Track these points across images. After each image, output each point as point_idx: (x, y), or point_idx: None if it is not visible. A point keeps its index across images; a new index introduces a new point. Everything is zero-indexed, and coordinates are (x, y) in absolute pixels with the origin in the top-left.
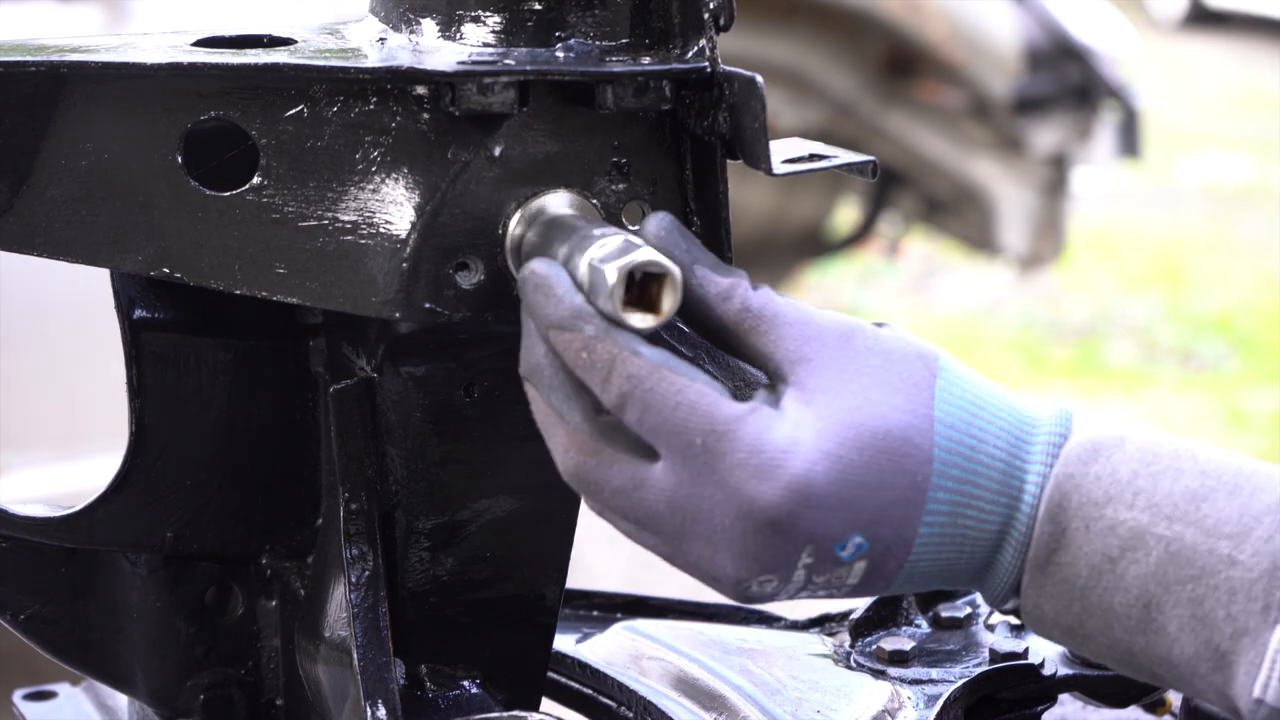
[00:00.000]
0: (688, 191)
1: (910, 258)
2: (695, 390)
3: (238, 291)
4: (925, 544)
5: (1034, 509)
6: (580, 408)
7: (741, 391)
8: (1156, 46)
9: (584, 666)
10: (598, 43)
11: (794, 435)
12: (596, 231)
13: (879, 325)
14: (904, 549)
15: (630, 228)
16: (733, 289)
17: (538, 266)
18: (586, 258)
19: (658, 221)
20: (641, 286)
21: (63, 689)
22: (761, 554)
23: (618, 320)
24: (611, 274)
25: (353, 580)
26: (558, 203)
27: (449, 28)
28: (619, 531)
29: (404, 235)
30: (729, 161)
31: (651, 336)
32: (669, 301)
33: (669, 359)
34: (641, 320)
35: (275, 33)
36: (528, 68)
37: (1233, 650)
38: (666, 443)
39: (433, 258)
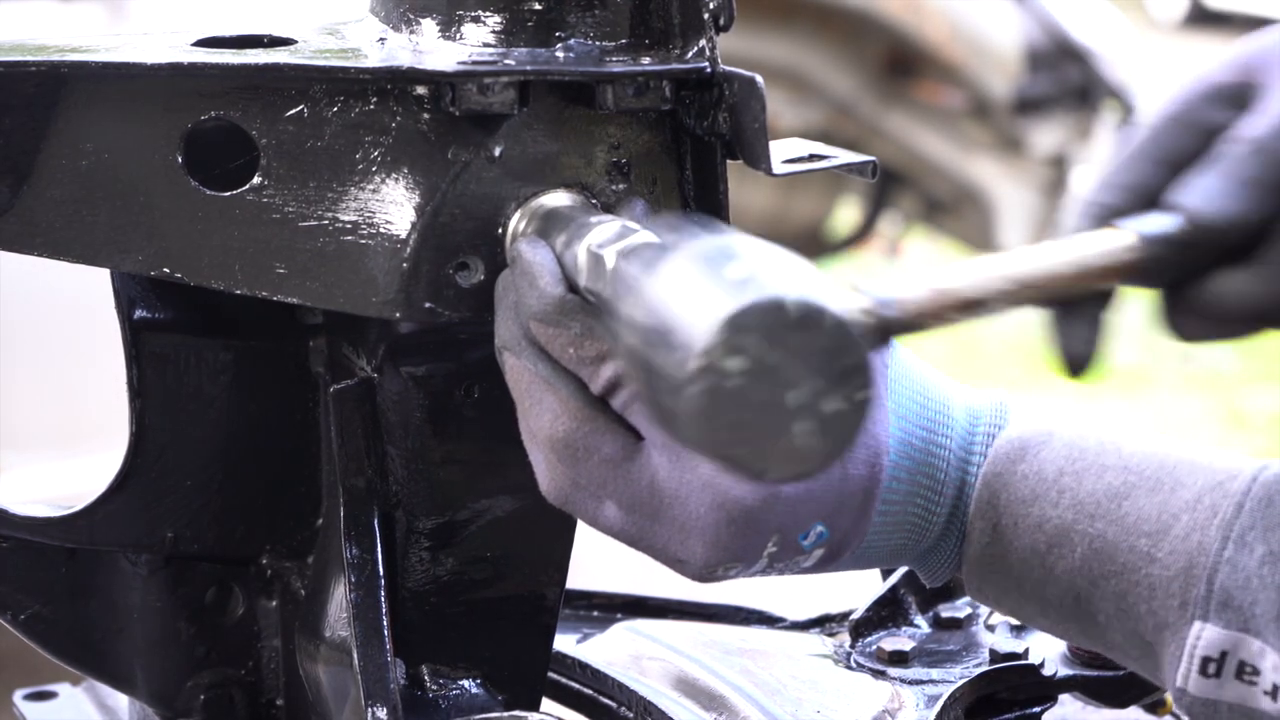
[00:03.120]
0: (688, 191)
1: (910, 258)
2: None
3: (238, 292)
4: (878, 531)
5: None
6: (572, 379)
7: None
8: (1156, 46)
9: (584, 666)
10: (598, 43)
11: None
12: (593, 219)
13: None
14: (859, 535)
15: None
16: None
17: (525, 250)
18: (585, 243)
19: (635, 209)
20: None
21: (63, 689)
22: (732, 543)
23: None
24: (610, 258)
25: (353, 580)
26: (557, 201)
27: (449, 28)
28: (578, 512)
29: (404, 235)
30: (729, 161)
31: None
32: None
33: None
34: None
35: (275, 33)
36: (528, 68)
37: (1156, 642)
38: (651, 428)
39: (433, 258)
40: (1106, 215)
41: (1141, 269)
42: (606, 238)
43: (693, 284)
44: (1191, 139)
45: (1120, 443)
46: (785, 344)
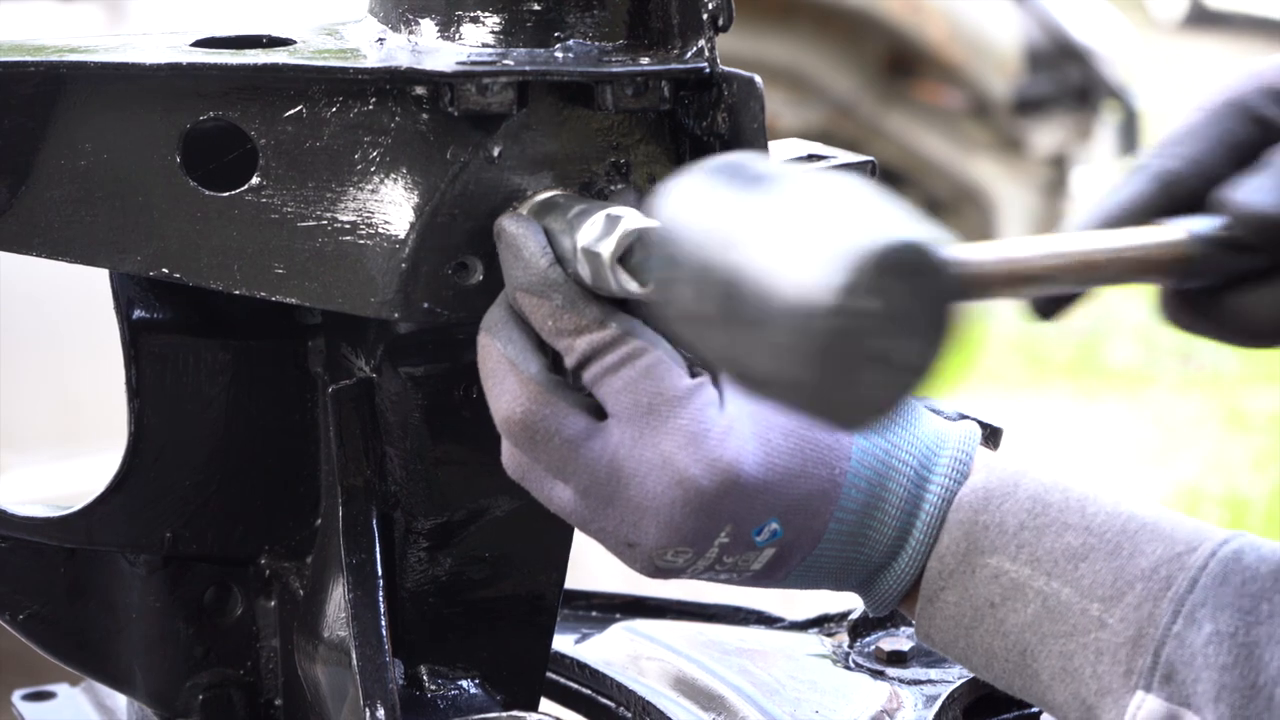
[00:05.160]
0: None
1: None
2: (654, 356)
3: (237, 292)
4: (830, 539)
5: (928, 529)
6: (538, 361)
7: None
8: (1156, 46)
9: (583, 666)
10: (596, 43)
11: (734, 415)
12: (580, 207)
13: None
14: (812, 541)
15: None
16: None
17: (509, 224)
18: (579, 237)
19: (627, 198)
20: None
21: (62, 689)
22: (684, 525)
23: (626, 292)
24: (608, 248)
25: (351, 580)
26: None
27: (448, 28)
28: (533, 491)
29: (403, 235)
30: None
31: (620, 303)
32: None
33: (634, 326)
34: (631, 287)
35: (274, 33)
36: (527, 68)
37: (1098, 706)
38: (617, 402)
39: (431, 258)
40: (1165, 180)
41: (1189, 267)
42: (598, 231)
43: (823, 216)
44: (1248, 129)
45: (1085, 500)
46: (913, 290)
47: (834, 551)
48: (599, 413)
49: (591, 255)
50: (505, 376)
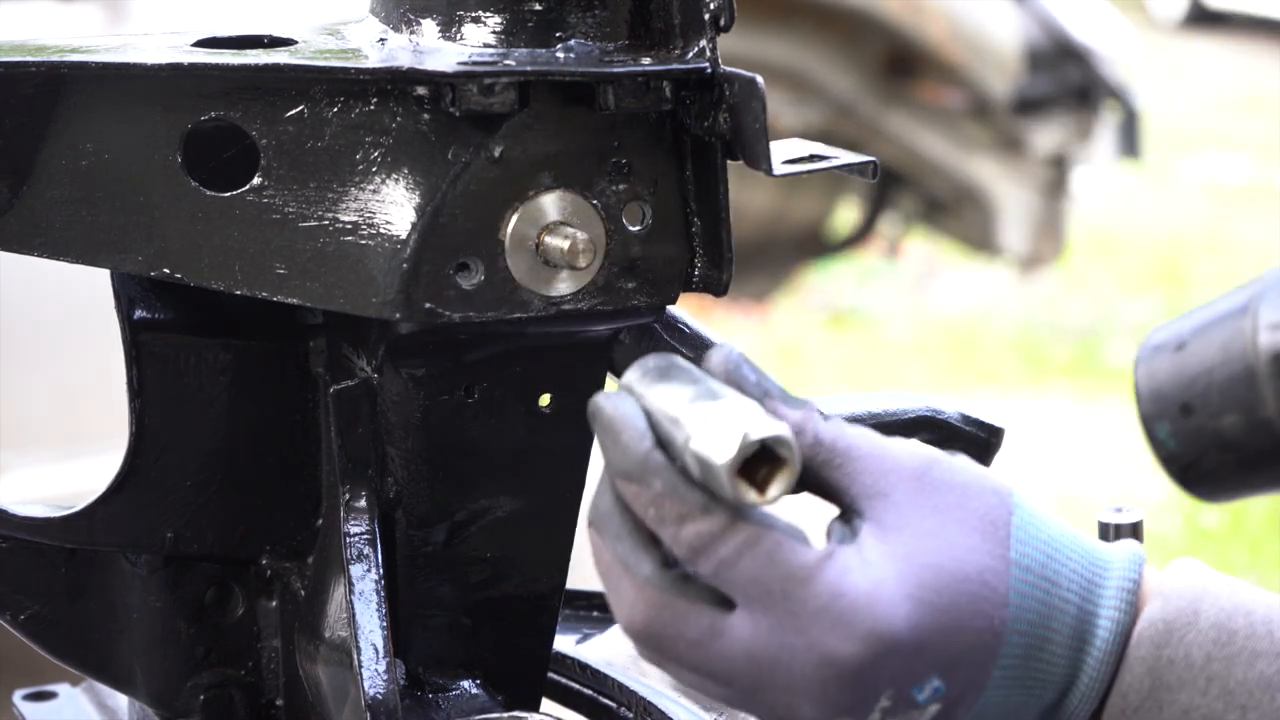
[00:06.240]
0: (688, 192)
1: (910, 258)
2: (772, 540)
3: (238, 292)
4: (997, 687)
5: (1102, 665)
6: (651, 559)
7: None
8: (1156, 46)
9: (584, 667)
10: (598, 43)
11: (876, 579)
12: (692, 390)
13: (951, 454)
14: (976, 692)
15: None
16: (804, 422)
17: (605, 404)
18: (690, 430)
19: (725, 357)
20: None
21: (63, 689)
22: (841, 700)
23: (740, 502)
24: (723, 462)
25: (353, 581)
26: (559, 205)
27: (449, 28)
28: (682, 684)
29: (404, 236)
30: (729, 161)
31: None
32: (776, 490)
33: (742, 510)
34: (746, 497)
35: (275, 33)
36: (528, 68)
37: None
38: (744, 592)
39: (433, 258)
40: None
41: None
42: (716, 434)
43: None
44: None
45: (1272, 622)
46: None
47: (1000, 698)
48: (725, 601)
49: (704, 464)
50: (620, 580)
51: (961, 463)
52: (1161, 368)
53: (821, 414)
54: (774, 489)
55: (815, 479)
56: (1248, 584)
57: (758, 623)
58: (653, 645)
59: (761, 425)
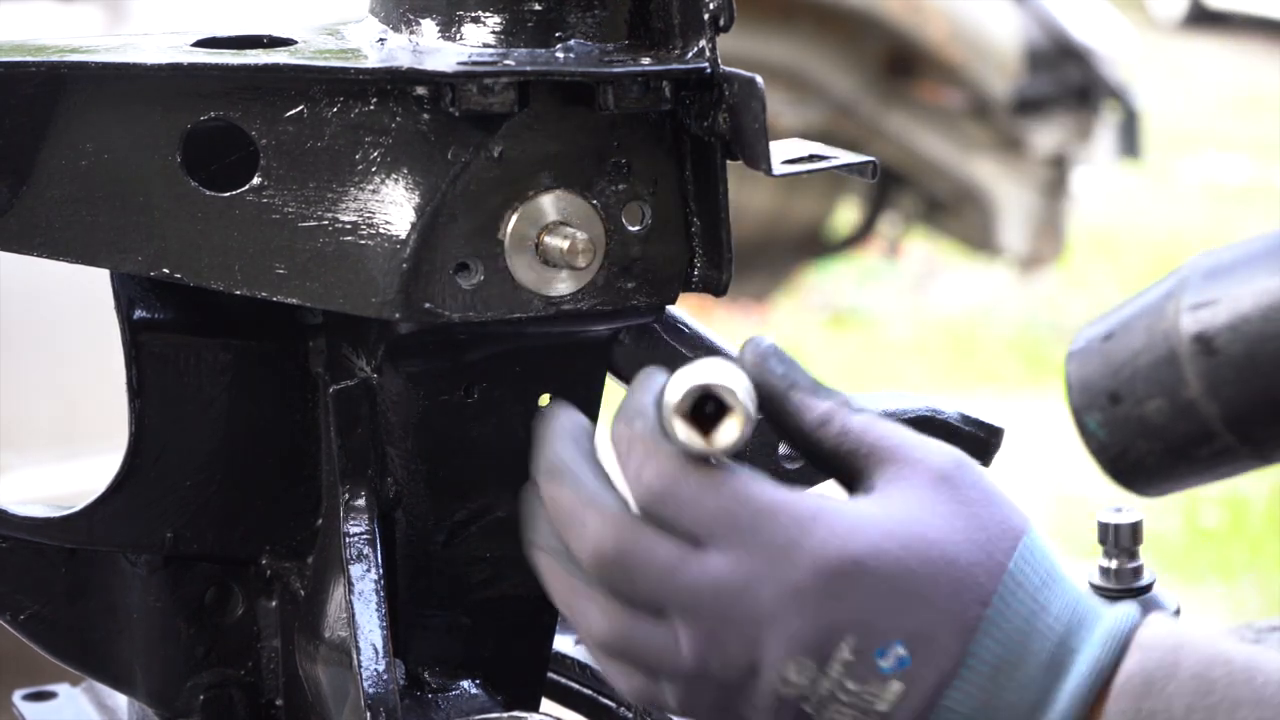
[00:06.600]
0: (688, 191)
1: (910, 258)
2: (739, 479)
3: (238, 292)
4: (961, 688)
5: (1074, 700)
6: (617, 495)
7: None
8: (1156, 46)
9: (584, 667)
10: (597, 43)
11: (857, 520)
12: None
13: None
14: (941, 683)
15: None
16: (831, 414)
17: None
18: (665, 388)
19: (755, 347)
20: (717, 412)
21: (63, 689)
22: (803, 634)
23: (686, 447)
24: (671, 402)
25: (352, 581)
26: (559, 205)
27: (449, 28)
28: (636, 693)
29: (404, 236)
30: (729, 161)
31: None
32: (725, 436)
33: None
34: (690, 440)
35: (275, 33)
36: (528, 68)
37: None
38: (712, 529)
39: (433, 258)
40: None
41: None
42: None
43: None
44: None
45: (1251, 670)
46: None
47: (964, 704)
48: (694, 541)
49: (664, 411)
50: (585, 516)
51: (991, 475)
52: (1090, 359)
53: (852, 406)
54: (720, 435)
55: (841, 467)
56: (1224, 633)
57: (726, 555)
58: (622, 573)
59: (715, 375)
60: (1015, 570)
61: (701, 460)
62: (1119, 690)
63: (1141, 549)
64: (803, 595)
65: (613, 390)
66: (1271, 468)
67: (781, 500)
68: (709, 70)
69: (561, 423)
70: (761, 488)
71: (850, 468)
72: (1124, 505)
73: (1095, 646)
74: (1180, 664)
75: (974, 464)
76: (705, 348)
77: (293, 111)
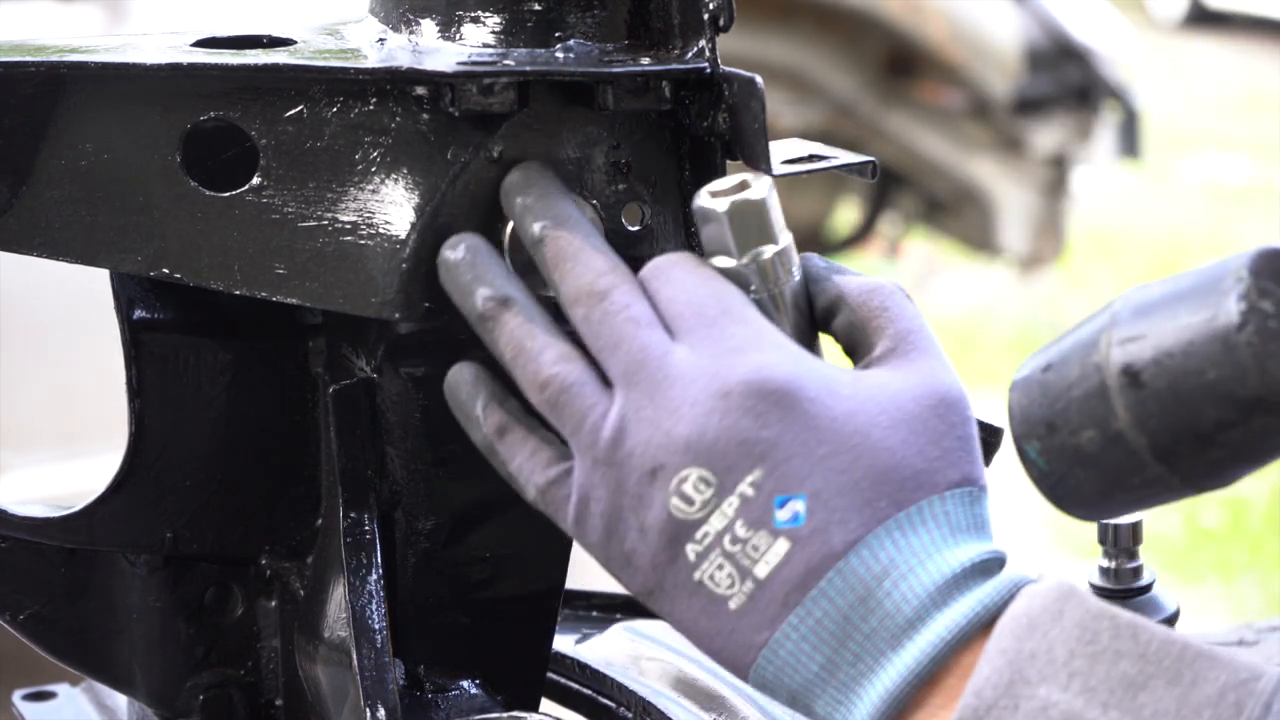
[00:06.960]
0: (688, 192)
1: (910, 258)
2: (711, 268)
3: (237, 292)
4: (842, 576)
5: (952, 631)
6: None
7: None
8: (1156, 46)
9: (584, 667)
10: (597, 43)
11: (829, 369)
12: None
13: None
14: (825, 561)
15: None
16: (874, 281)
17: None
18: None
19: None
20: None
21: (63, 689)
22: (716, 439)
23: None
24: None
25: (351, 581)
26: None
27: (449, 28)
28: (574, 403)
29: (404, 236)
30: (729, 161)
31: None
32: (756, 190)
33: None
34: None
35: (275, 33)
36: (528, 68)
37: None
38: (683, 312)
39: (432, 258)
40: None
41: None
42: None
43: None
44: None
45: (1136, 626)
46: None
47: (839, 599)
48: (663, 322)
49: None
50: (583, 255)
51: (975, 416)
52: (1031, 389)
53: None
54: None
55: (854, 317)
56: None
57: (683, 343)
58: (598, 304)
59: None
60: (949, 501)
61: (704, 262)
62: (1001, 629)
63: (1141, 549)
64: (729, 400)
65: None
66: (1211, 494)
67: (754, 315)
68: (709, 70)
69: (541, 172)
70: (744, 300)
71: (866, 322)
72: None
73: (988, 589)
74: (1066, 613)
75: (971, 406)
76: None
77: (292, 111)
